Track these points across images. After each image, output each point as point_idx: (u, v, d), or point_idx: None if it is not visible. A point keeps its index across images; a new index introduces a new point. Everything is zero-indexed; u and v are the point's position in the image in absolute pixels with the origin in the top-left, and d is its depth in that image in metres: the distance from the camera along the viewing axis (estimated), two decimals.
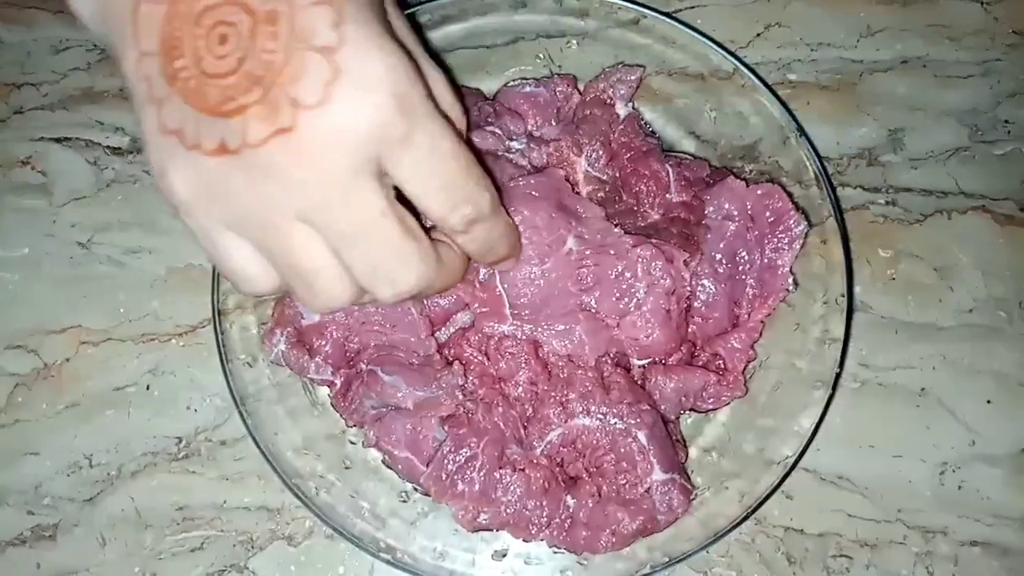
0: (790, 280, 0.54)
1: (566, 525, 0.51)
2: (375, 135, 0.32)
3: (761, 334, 0.55)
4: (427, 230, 0.38)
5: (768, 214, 0.54)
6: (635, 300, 0.52)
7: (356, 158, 0.32)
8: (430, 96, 0.34)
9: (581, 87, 0.60)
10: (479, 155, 0.41)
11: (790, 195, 0.54)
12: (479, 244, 0.41)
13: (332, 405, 0.55)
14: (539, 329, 0.52)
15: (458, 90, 0.39)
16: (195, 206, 0.33)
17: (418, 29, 0.59)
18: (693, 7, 0.66)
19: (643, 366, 0.54)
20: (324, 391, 0.55)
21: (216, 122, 0.31)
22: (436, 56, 0.60)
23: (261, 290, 0.37)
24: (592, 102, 0.59)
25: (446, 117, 0.36)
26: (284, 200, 0.32)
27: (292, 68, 0.30)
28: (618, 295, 0.52)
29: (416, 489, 0.55)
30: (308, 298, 0.36)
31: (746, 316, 0.55)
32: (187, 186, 0.33)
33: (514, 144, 0.56)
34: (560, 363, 0.52)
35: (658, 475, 0.51)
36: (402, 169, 0.34)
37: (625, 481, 0.51)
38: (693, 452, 0.56)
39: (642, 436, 0.51)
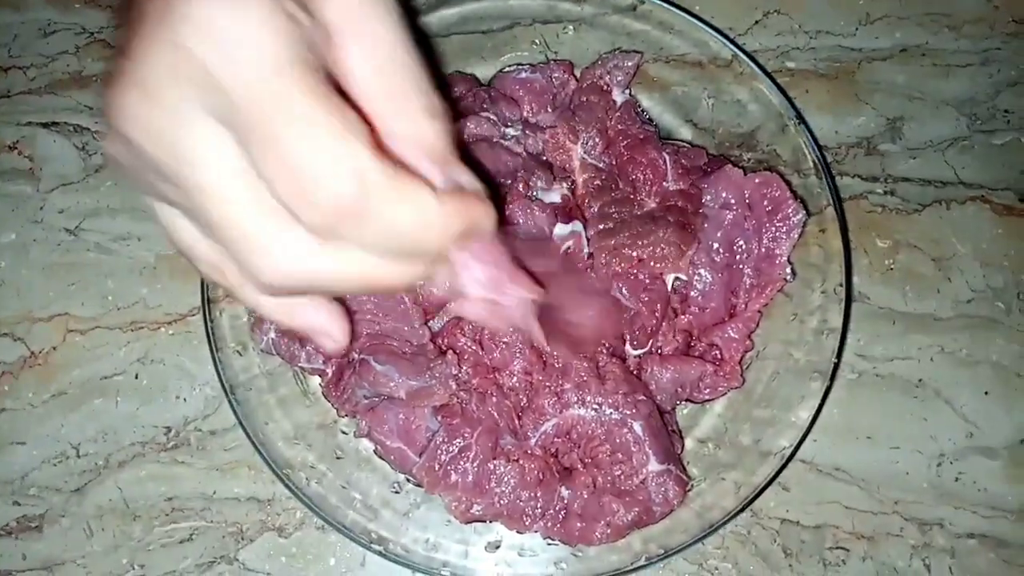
0: (788, 270, 0.54)
1: (560, 516, 0.50)
2: (210, 89, 0.26)
3: (758, 324, 0.54)
4: None
5: (766, 203, 0.53)
6: None
7: (191, 104, 0.26)
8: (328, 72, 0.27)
9: (577, 73, 0.60)
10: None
11: (788, 184, 0.54)
12: (375, 243, 0.28)
13: (323, 394, 0.54)
14: None
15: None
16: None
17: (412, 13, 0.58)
18: None
19: (639, 356, 0.54)
20: (315, 380, 0.55)
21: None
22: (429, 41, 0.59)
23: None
24: (588, 89, 0.58)
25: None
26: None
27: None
28: None
29: (408, 480, 0.54)
30: None
31: (743, 306, 0.54)
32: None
33: (509, 131, 0.56)
34: (555, 353, 0.52)
35: (654, 466, 0.50)
36: (257, 155, 0.26)
37: (620, 472, 0.51)
38: (689, 443, 0.55)
39: (637, 427, 0.50)
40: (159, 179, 0.28)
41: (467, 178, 0.32)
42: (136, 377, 0.59)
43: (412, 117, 0.30)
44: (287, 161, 0.26)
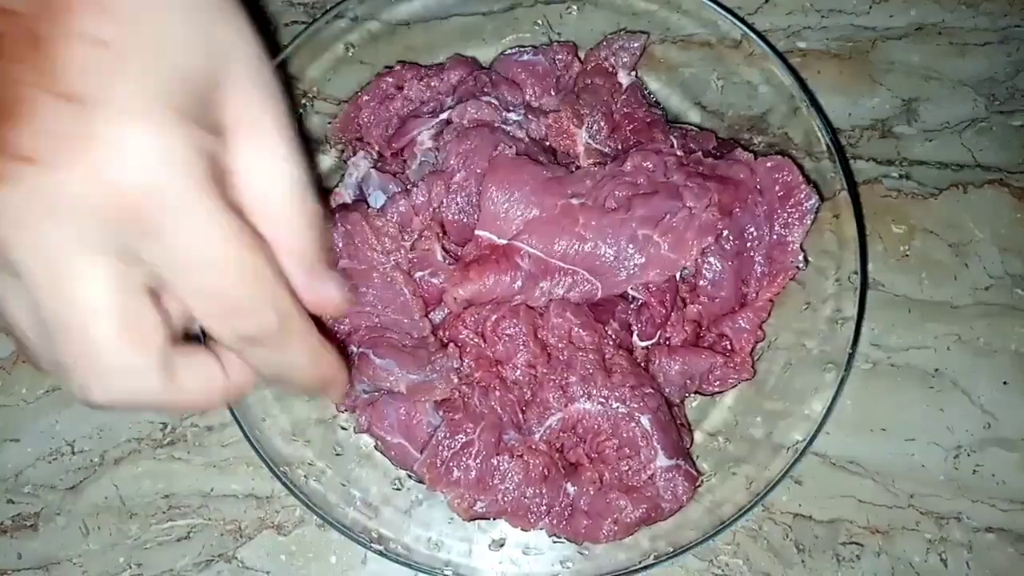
0: (800, 257, 0.52)
1: (566, 513, 0.49)
2: (111, 220, 0.27)
3: (770, 313, 0.53)
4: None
5: (778, 188, 0.52)
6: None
7: (77, 239, 0.27)
8: (227, 185, 0.30)
9: (581, 55, 0.58)
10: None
11: (801, 168, 0.52)
12: (265, 368, 0.34)
13: None
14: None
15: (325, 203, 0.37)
16: None
17: None
18: None
19: (646, 347, 0.52)
20: None
21: None
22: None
23: None
24: (593, 71, 0.56)
25: (258, 211, 0.32)
26: None
27: (27, 108, 0.26)
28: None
29: (410, 476, 0.53)
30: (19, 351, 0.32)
31: (754, 295, 0.53)
32: None
33: (511, 115, 0.54)
34: (560, 345, 0.50)
35: (662, 461, 0.49)
36: (159, 263, 0.28)
37: (628, 467, 0.49)
38: (699, 437, 0.54)
39: (645, 421, 0.49)
40: None
41: (332, 284, 0.36)
42: None
43: (292, 227, 0.33)
44: (209, 290, 0.29)
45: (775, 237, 0.52)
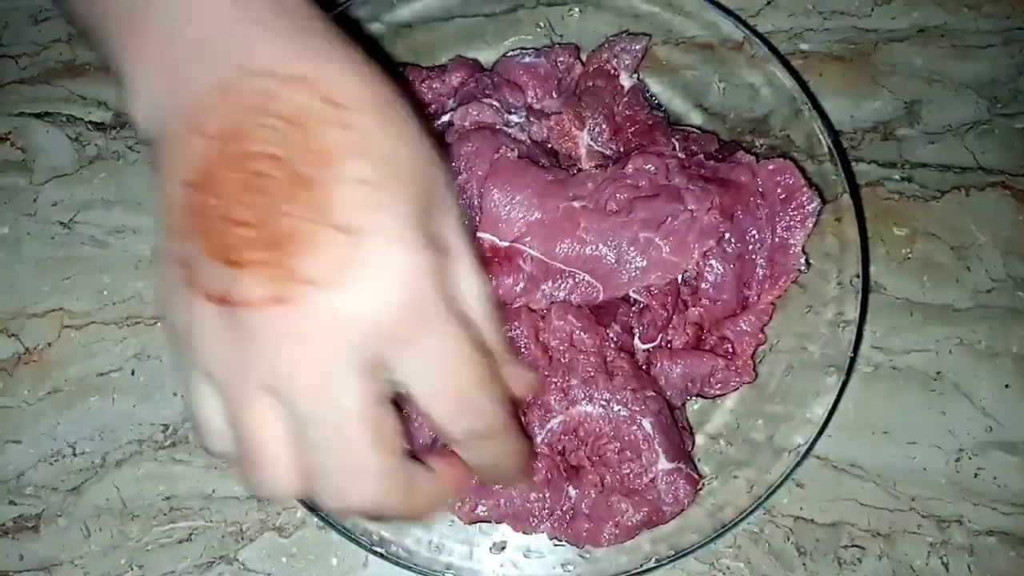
0: (802, 260, 0.52)
1: (567, 517, 0.49)
2: (379, 332, 0.30)
3: (771, 316, 0.53)
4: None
5: (780, 190, 0.52)
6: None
7: (348, 351, 0.30)
8: (454, 297, 0.33)
9: (583, 57, 0.58)
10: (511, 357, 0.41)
11: (802, 170, 0.52)
12: (483, 460, 0.39)
13: None
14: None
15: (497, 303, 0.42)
16: (180, 344, 0.32)
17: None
18: None
19: (648, 350, 0.52)
20: None
21: (222, 270, 0.30)
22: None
23: (218, 450, 0.34)
24: (595, 73, 0.56)
25: (469, 318, 0.35)
26: (257, 368, 0.30)
27: (311, 240, 0.29)
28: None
29: None
30: (247, 478, 0.33)
31: (755, 298, 0.53)
32: (180, 323, 0.31)
33: (513, 117, 0.54)
34: (561, 347, 0.50)
35: (663, 464, 0.49)
36: (407, 371, 0.32)
37: (629, 471, 0.49)
38: (700, 440, 0.54)
39: (647, 423, 0.49)
40: (257, 388, 0.31)
41: (524, 369, 0.47)
42: (132, 374, 0.58)
43: (487, 330, 0.37)
44: (449, 392, 0.33)
45: (777, 240, 0.52)
